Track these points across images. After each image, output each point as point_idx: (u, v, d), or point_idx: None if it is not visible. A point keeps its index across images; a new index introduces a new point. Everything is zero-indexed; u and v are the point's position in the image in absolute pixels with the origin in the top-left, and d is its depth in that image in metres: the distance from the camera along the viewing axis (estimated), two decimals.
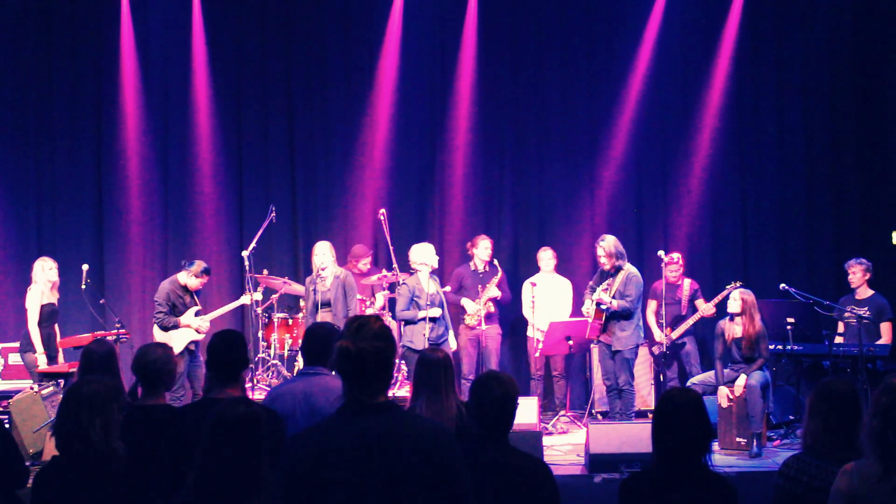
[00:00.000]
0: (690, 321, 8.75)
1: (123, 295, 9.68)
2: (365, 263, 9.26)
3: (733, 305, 7.72)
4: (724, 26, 9.91)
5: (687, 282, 9.05)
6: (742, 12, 9.89)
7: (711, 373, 7.95)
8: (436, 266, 8.06)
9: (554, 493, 3.19)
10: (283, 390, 4.11)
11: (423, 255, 7.97)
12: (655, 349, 8.76)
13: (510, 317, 9.44)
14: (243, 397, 3.20)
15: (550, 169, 10.05)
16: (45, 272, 8.11)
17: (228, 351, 3.81)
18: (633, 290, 7.63)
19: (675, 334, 8.74)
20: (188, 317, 8.06)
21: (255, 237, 8.91)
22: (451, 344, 8.14)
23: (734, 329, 7.73)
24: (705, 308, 8.65)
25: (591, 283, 8.04)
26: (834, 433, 3.18)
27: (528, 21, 10.09)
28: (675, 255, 8.98)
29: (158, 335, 8.02)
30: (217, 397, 3.63)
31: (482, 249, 8.96)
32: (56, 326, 8.28)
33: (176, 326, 7.98)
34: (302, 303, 9.07)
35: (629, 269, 7.71)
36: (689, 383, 7.95)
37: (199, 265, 8.09)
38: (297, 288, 9.12)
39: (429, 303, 7.79)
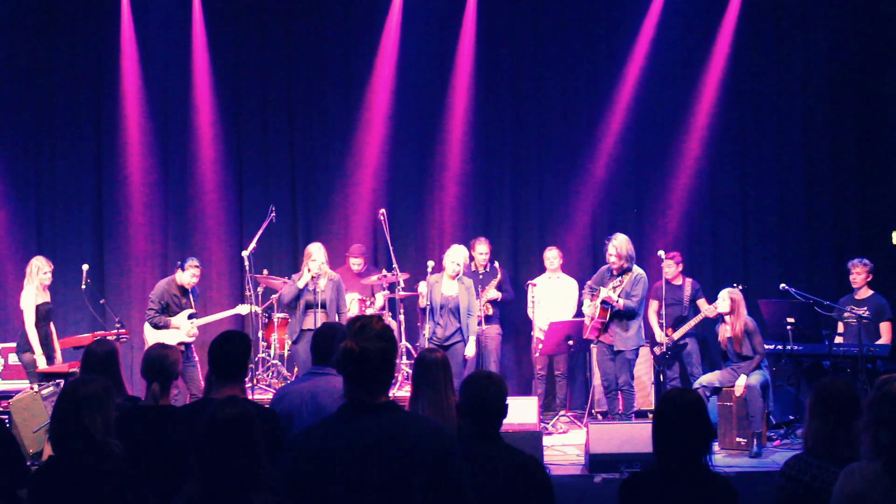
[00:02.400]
0: (692, 322, 8.73)
1: (123, 295, 9.67)
2: (356, 263, 9.23)
3: (722, 305, 7.76)
4: (723, 26, 9.92)
5: (688, 281, 9.05)
6: (742, 12, 9.90)
7: (717, 373, 7.93)
8: (458, 267, 8.03)
9: (548, 489, 3.19)
10: (290, 389, 4.13)
11: (448, 255, 8.09)
12: (657, 349, 8.75)
13: (514, 317, 9.44)
14: (234, 397, 3.19)
15: (550, 169, 10.06)
16: (38, 274, 8.10)
17: (230, 351, 3.81)
18: (639, 290, 7.56)
19: (676, 335, 8.73)
20: (180, 318, 8.08)
21: (255, 237, 8.91)
22: (468, 350, 8.04)
23: (725, 329, 7.79)
24: (707, 309, 8.64)
25: (589, 283, 7.96)
26: (834, 434, 3.18)
27: (527, 21, 10.10)
28: (672, 254, 8.99)
29: (149, 333, 8.04)
30: (215, 398, 3.62)
31: (477, 253, 9.00)
32: (52, 325, 8.28)
33: (167, 326, 8.01)
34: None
35: (637, 270, 7.65)
36: (696, 384, 7.92)
37: (190, 260, 8.16)
38: None
39: (427, 302, 7.94)
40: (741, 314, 7.68)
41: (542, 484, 3.19)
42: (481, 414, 3.24)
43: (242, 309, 8.64)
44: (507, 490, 3.12)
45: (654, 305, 8.92)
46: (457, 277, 8.02)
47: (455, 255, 8.04)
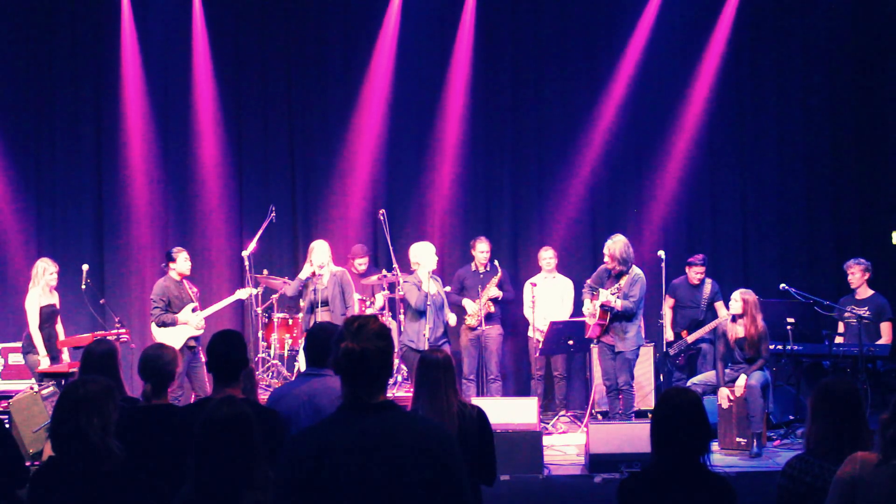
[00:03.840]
0: (707, 327, 8.61)
1: (123, 295, 9.67)
2: (361, 263, 9.24)
3: (735, 306, 7.71)
4: (722, 24, 9.93)
5: (708, 282, 8.94)
6: (742, 11, 9.90)
7: (712, 373, 7.94)
8: (433, 266, 8.02)
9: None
10: (287, 391, 4.10)
11: (417, 253, 7.95)
12: (671, 350, 8.72)
13: (511, 317, 9.44)
14: (231, 397, 3.19)
15: (550, 169, 10.06)
16: (44, 275, 8.11)
17: (227, 351, 3.80)
18: (636, 291, 7.51)
19: (691, 338, 8.67)
20: (185, 313, 8.08)
21: (255, 237, 8.91)
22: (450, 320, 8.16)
23: (736, 330, 7.72)
24: (724, 316, 8.58)
25: (588, 281, 7.91)
26: (836, 434, 3.18)
27: (526, 21, 10.10)
28: (699, 257, 8.93)
29: (157, 333, 8.03)
30: (216, 398, 3.62)
31: (478, 252, 8.99)
32: (57, 327, 8.28)
33: (174, 323, 8.01)
34: (302, 303, 9.06)
35: (635, 271, 7.60)
36: (689, 383, 7.94)
37: (175, 251, 8.19)
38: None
39: (429, 302, 7.83)
40: (757, 317, 7.59)
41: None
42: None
43: (242, 293, 8.64)
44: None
45: (669, 302, 8.87)
46: (431, 276, 7.99)
47: (431, 252, 7.95)
